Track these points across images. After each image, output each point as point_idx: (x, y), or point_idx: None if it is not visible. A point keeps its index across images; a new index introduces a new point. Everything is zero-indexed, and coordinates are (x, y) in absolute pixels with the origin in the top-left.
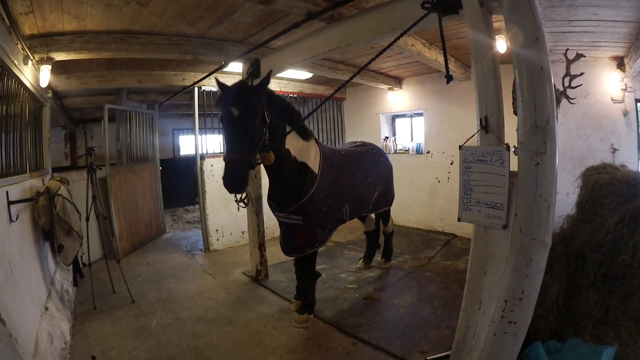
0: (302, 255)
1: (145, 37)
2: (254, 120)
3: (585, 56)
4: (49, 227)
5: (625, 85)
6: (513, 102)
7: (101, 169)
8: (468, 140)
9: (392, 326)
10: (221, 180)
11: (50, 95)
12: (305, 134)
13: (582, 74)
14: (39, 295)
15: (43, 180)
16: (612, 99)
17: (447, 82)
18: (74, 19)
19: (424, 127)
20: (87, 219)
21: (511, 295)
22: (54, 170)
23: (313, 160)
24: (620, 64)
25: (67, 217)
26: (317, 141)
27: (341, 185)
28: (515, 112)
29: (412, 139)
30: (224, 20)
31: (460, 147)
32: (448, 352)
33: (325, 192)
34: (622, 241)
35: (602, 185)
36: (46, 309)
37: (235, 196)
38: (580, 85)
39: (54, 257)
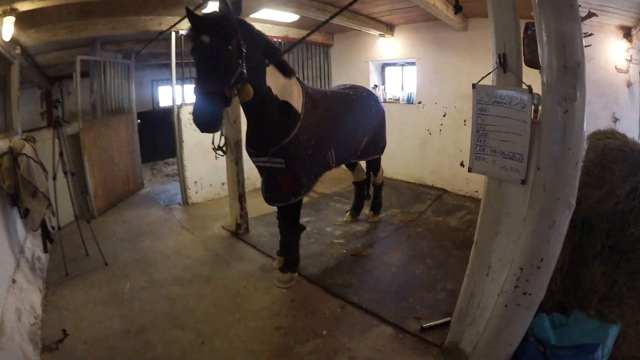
0: (287, 205)
1: None
2: (227, 47)
3: (597, 15)
4: (14, 190)
5: (631, 56)
6: (524, 49)
7: (68, 122)
8: (483, 79)
9: (384, 287)
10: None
11: (18, 51)
12: (286, 71)
13: (591, 34)
14: (5, 268)
15: (11, 141)
16: (616, 68)
17: (456, 13)
18: None
19: (416, 77)
20: (54, 178)
21: (528, 262)
22: (30, 131)
23: (296, 99)
24: (627, 34)
25: (32, 178)
26: (299, 80)
27: (326, 128)
28: (526, 62)
29: (402, 89)
30: None
31: (474, 85)
32: (447, 319)
33: (309, 133)
34: (633, 213)
35: (613, 150)
36: (14, 281)
37: (213, 143)
38: (589, 45)
39: (24, 224)
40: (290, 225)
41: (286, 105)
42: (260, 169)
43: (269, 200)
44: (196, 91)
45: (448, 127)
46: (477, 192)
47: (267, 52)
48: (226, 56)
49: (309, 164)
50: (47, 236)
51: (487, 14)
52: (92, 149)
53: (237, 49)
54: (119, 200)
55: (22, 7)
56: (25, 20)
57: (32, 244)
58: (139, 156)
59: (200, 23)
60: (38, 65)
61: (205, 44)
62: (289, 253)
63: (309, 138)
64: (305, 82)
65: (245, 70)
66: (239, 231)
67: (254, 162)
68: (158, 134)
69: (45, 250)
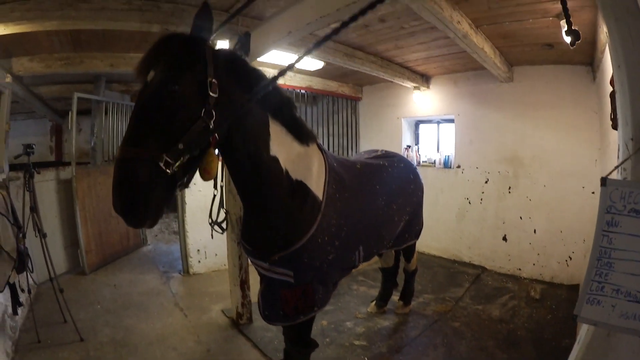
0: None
1: (99, 2)
2: (170, 85)
3: None
4: None
5: None
6: (611, 115)
7: (39, 172)
8: (617, 168)
9: None
10: (205, 190)
11: (8, 79)
12: (302, 134)
13: None
14: None
15: None
16: None
17: (572, 44)
18: None
19: (454, 136)
20: (24, 236)
21: None
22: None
23: (316, 178)
24: None
25: None
26: (320, 147)
27: (355, 218)
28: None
29: (438, 150)
30: None
31: (604, 180)
32: None
33: (332, 231)
34: None
35: None
36: None
37: (210, 217)
38: None
39: None
40: (297, 343)
41: (301, 189)
42: (260, 274)
43: (267, 318)
44: (116, 155)
45: (490, 195)
46: (519, 269)
47: (271, 103)
48: (172, 104)
49: (328, 272)
50: (16, 299)
51: (535, 60)
52: (85, 199)
53: (200, 91)
54: (116, 257)
55: None
56: (14, 46)
57: (5, 299)
58: None
59: (149, 52)
60: (40, 97)
61: (146, 86)
62: None
63: (332, 238)
64: (331, 140)
65: (213, 125)
66: (240, 321)
67: (251, 262)
68: None
69: (15, 313)
